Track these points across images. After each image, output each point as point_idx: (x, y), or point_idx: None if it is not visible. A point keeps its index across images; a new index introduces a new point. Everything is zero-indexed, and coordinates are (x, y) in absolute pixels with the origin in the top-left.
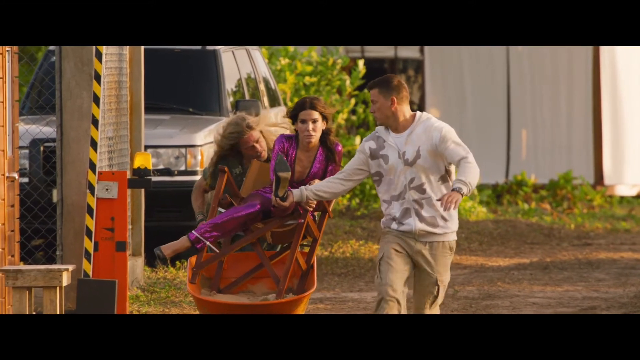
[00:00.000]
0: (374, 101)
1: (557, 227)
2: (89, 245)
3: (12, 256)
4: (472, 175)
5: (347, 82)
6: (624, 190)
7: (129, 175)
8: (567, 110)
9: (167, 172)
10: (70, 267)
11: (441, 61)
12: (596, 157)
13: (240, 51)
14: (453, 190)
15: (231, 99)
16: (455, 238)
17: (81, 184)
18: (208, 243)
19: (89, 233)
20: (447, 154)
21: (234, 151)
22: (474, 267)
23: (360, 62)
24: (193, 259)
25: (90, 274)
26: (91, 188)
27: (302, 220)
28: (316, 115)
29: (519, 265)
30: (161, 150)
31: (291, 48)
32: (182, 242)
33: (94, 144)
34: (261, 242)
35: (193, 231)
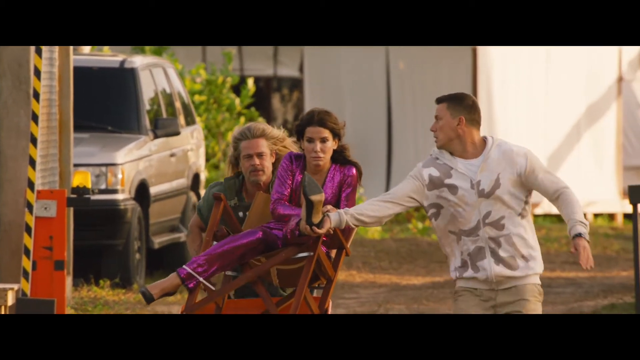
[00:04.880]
0: (437, 117)
1: None
2: (27, 264)
3: None
4: (580, 210)
5: (237, 101)
6: None
7: (67, 193)
8: None
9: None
10: (15, 287)
11: (321, 80)
12: None
13: (157, 69)
14: (578, 236)
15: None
16: (539, 282)
17: (18, 202)
18: (202, 280)
19: (27, 252)
20: (537, 185)
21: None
22: (390, 285)
23: (250, 81)
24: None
25: (29, 293)
26: (29, 207)
27: (312, 253)
28: (326, 133)
29: (436, 283)
30: (81, 169)
31: (179, 66)
32: (172, 280)
33: (32, 163)
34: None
35: (184, 266)
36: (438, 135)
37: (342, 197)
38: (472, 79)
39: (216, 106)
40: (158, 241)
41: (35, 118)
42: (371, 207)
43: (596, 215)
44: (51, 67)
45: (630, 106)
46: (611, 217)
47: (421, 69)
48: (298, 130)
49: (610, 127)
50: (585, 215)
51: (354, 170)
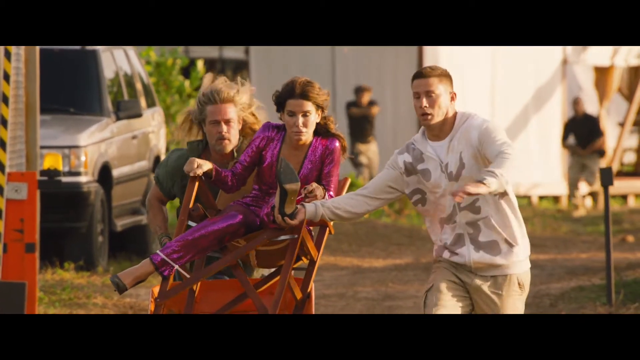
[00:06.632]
0: (429, 92)
1: (415, 229)
2: None
3: None
4: (505, 166)
5: (187, 83)
6: None
7: (37, 176)
8: (391, 114)
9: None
10: None
11: (267, 62)
12: None
13: (118, 51)
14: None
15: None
16: (527, 270)
17: None
18: (177, 267)
19: None
20: (487, 155)
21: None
22: (352, 268)
23: (200, 63)
24: (156, 288)
25: None
26: (0, 189)
27: (297, 235)
28: (309, 106)
29: (397, 266)
30: (44, 151)
31: None
32: (145, 266)
33: (3, 145)
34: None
35: (158, 251)
36: (434, 112)
37: (324, 172)
38: (418, 62)
39: (165, 88)
40: (120, 224)
41: (5, 100)
42: (350, 202)
43: (541, 198)
44: (17, 49)
45: (573, 89)
46: (555, 199)
47: (365, 52)
48: (278, 102)
49: (555, 110)
50: (529, 198)
51: (337, 143)
